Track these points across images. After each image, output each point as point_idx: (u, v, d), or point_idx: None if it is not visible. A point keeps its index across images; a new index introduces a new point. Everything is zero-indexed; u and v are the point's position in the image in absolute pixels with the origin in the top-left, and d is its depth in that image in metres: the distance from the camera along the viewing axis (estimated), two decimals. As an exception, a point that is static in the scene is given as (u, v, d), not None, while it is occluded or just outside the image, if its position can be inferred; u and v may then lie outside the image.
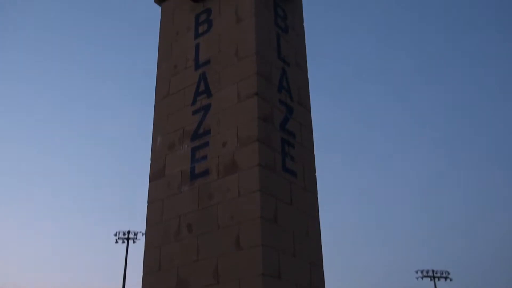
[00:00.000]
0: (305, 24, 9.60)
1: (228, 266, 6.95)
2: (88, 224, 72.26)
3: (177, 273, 7.43)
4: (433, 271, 42.34)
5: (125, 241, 38.40)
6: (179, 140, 8.28)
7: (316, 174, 8.37)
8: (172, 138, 8.39)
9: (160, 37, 9.59)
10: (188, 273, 7.32)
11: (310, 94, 8.96)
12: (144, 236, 8.26)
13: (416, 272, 42.48)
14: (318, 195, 8.22)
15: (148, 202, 8.31)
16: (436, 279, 42.11)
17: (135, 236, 38.51)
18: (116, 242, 38.63)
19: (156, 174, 8.37)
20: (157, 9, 9.97)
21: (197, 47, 8.81)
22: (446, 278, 42.30)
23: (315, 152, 8.50)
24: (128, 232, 38.69)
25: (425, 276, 42.25)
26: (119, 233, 38.73)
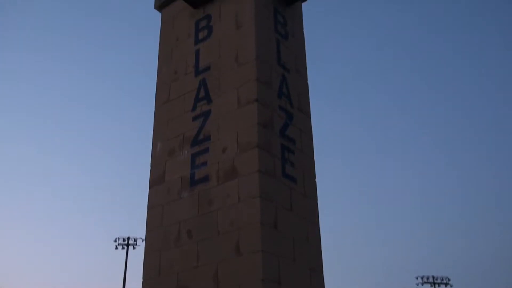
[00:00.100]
0: (305, 29, 9.64)
1: (228, 272, 6.95)
2: (87, 229, 72.23)
3: (177, 279, 7.42)
4: (433, 277, 42.24)
5: (125, 247, 38.35)
6: (179, 146, 8.29)
7: (316, 180, 8.38)
8: (172, 144, 8.40)
9: (161, 43, 9.62)
10: (188, 279, 7.31)
11: (310, 100, 8.97)
12: (144, 242, 8.26)
13: (416, 278, 42.38)
14: (318, 201, 8.22)
15: (148, 208, 8.31)
16: (437, 285, 42.04)
17: (135, 242, 38.44)
18: (116, 248, 38.58)
19: (156, 180, 8.37)
20: (158, 11, 10.00)
21: (197, 53, 8.83)
22: (446, 284, 42.17)
23: (315, 158, 8.51)
24: (128, 238, 38.62)
25: (425, 282, 42.15)
26: (119, 239, 38.67)
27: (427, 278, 42.18)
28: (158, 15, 9.96)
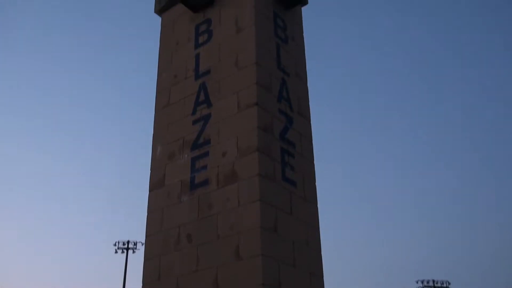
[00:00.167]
0: (305, 32, 9.64)
1: (228, 276, 6.94)
2: (87, 233, 72.18)
3: (177, 283, 7.40)
4: (433, 281, 42.23)
5: (125, 251, 38.31)
6: (179, 150, 8.29)
7: (316, 183, 8.38)
8: (172, 148, 8.40)
9: (161, 47, 9.63)
10: (187, 283, 7.30)
11: (310, 103, 8.98)
12: (143, 246, 8.25)
13: (417, 282, 42.39)
14: (318, 205, 8.22)
15: (148, 211, 8.31)
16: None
17: (135, 246, 38.42)
18: (116, 252, 38.55)
19: (156, 184, 8.37)
20: (158, 15, 10.01)
21: (197, 57, 8.84)
22: (446, 288, 42.17)
23: (315, 162, 8.51)
24: (128, 242, 38.60)
25: (425, 286, 42.13)
26: (118, 243, 38.65)
27: (427, 282, 42.16)
28: (158, 18, 9.97)
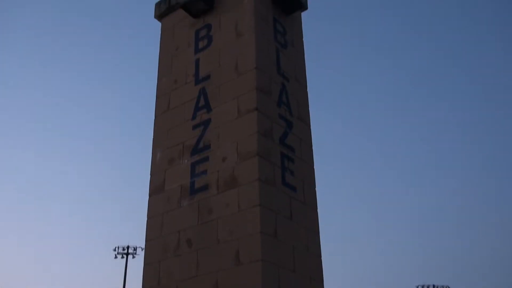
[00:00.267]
0: (304, 38, 9.66)
1: (227, 281, 6.92)
2: (87, 238, 72.05)
3: (177, 288, 7.38)
4: (433, 286, 42.13)
5: (125, 256, 38.25)
6: (179, 155, 8.29)
7: (316, 188, 8.37)
8: (172, 153, 8.40)
9: (161, 52, 9.64)
10: (187, 288, 7.28)
11: (309, 108, 8.99)
12: (143, 251, 8.24)
13: (417, 287, 42.29)
14: (318, 210, 8.21)
15: (148, 216, 8.30)
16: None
17: (135, 251, 38.37)
18: (116, 257, 38.48)
19: (156, 189, 8.37)
20: (158, 20, 10.03)
21: (197, 62, 8.86)
22: (447, 293, 42.05)
23: (315, 167, 8.51)
24: (128, 247, 38.54)
25: (425, 291, 42.03)
26: (118, 248, 38.59)
27: (427, 287, 42.07)
28: (159, 23, 9.98)
